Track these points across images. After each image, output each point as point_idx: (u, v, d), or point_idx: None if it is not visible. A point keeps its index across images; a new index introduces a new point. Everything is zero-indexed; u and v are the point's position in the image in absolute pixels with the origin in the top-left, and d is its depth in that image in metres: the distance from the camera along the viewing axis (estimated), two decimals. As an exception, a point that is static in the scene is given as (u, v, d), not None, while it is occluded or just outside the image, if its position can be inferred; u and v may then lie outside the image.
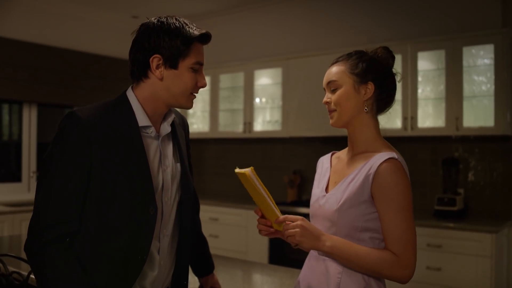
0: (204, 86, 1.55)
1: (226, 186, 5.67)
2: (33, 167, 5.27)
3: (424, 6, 4.36)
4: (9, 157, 5.38)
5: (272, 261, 4.32)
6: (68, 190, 1.40)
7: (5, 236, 3.47)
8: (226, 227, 4.89)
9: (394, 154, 1.50)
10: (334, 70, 1.60)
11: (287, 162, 5.17)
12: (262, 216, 1.57)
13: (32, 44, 5.12)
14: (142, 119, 1.51)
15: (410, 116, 4.06)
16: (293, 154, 5.14)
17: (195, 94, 1.55)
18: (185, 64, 1.49)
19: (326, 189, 1.63)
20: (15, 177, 5.23)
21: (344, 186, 1.54)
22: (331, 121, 1.62)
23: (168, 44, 1.46)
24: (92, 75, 5.55)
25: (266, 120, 5.14)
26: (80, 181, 1.40)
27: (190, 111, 5.72)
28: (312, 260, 1.61)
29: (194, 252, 1.86)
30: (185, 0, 5.27)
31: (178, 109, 1.78)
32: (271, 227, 1.55)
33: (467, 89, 3.89)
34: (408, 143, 4.29)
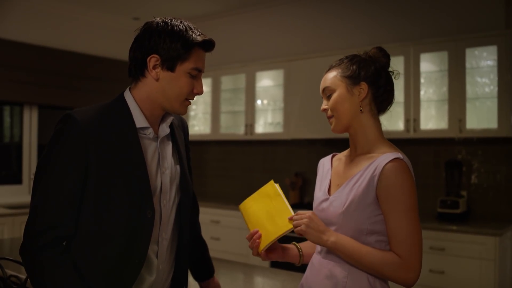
0: (200, 93, 1.53)
1: (227, 188, 5.65)
2: (34, 169, 5.25)
3: (426, 7, 4.33)
4: (10, 159, 5.36)
5: (273, 264, 4.30)
6: (64, 193, 1.38)
7: (6, 239, 3.46)
8: (228, 229, 4.86)
9: (399, 154, 1.47)
10: (327, 77, 1.61)
11: (289, 164, 5.15)
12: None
13: (33, 45, 5.11)
14: (139, 120, 1.49)
15: (412, 118, 4.03)
16: (295, 156, 5.12)
17: (190, 100, 1.53)
18: (183, 68, 1.46)
19: (329, 192, 1.61)
20: (16, 179, 5.21)
21: (349, 188, 1.51)
22: (331, 128, 1.61)
23: (168, 45, 1.44)
24: (93, 77, 5.54)
25: (267, 122, 5.12)
26: (77, 184, 1.38)
27: (192, 113, 5.71)
28: (316, 263, 1.59)
29: (194, 256, 1.83)
30: (186, 1, 5.26)
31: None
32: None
33: (470, 91, 3.87)
34: (410, 145, 4.26)
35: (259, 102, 5.13)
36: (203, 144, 5.79)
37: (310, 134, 4.64)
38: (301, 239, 1.55)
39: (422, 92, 4.06)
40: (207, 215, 4.89)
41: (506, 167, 3.92)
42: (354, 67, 1.57)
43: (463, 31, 4.03)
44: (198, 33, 1.48)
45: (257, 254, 1.56)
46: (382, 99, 1.59)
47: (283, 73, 4.86)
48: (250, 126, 5.09)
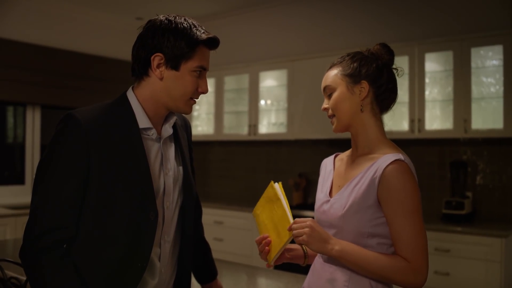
0: (205, 92, 1.50)
1: (231, 189, 5.63)
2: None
3: (431, 6, 4.30)
4: (14, 160, 5.36)
5: (277, 266, 4.27)
6: (65, 194, 1.35)
7: (9, 240, 3.44)
8: (231, 230, 4.84)
9: (400, 156, 1.44)
10: (328, 75, 1.58)
11: (293, 165, 5.12)
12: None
13: (36, 46, 5.10)
14: (142, 121, 1.46)
15: (417, 118, 4.00)
16: (299, 156, 5.10)
17: (195, 99, 1.50)
18: (187, 66, 1.44)
19: (330, 194, 1.58)
20: (20, 179, 5.21)
21: (349, 190, 1.48)
22: (332, 128, 1.58)
23: (172, 44, 1.41)
24: (97, 77, 5.53)
25: (271, 122, 5.10)
26: (78, 186, 1.36)
27: (195, 113, 5.69)
28: (318, 267, 1.56)
29: (197, 259, 1.80)
30: (189, 1, 5.24)
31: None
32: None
33: (475, 90, 3.84)
34: (415, 146, 4.23)
35: (262, 102, 5.11)
36: (206, 144, 5.77)
37: (314, 135, 4.62)
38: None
39: (427, 92, 4.03)
40: (210, 215, 4.88)
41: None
42: (355, 65, 1.54)
43: (468, 31, 4.00)
44: (203, 31, 1.46)
45: (267, 261, 1.54)
46: (383, 97, 1.55)
47: (287, 73, 4.84)
48: (253, 126, 5.07)
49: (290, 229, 1.45)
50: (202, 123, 5.72)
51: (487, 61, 3.85)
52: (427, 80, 4.04)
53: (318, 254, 1.59)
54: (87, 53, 5.51)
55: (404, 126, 4.09)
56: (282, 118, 4.97)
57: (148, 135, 1.48)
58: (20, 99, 5.06)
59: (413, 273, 1.39)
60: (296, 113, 4.73)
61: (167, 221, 1.51)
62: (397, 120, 4.09)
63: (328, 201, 1.54)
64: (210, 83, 5.38)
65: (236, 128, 5.38)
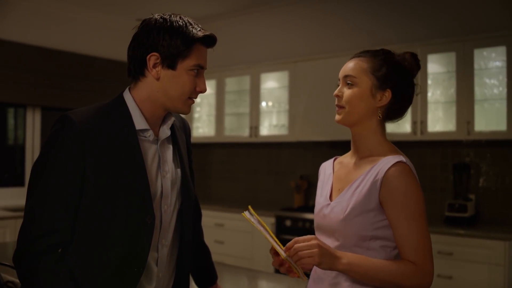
0: (203, 91, 1.46)
1: (232, 191, 5.60)
2: (37, 171, 5.22)
3: (433, 7, 4.28)
4: (15, 162, 5.34)
5: (278, 270, 4.24)
6: (60, 197, 1.32)
7: (9, 242, 3.42)
8: (232, 233, 4.81)
9: (401, 158, 1.42)
10: (355, 65, 1.50)
11: (294, 167, 5.10)
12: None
13: (37, 47, 5.09)
14: (139, 122, 1.43)
15: (419, 120, 3.98)
16: (300, 158, 5.07)
17: (193, 99, 1.47)
18: (184, 65, 1.40)
19: (330, 197, 1.55)
20: (20, 181, 5.19)
21: (350, 193, 1.46)
22: (337, 117, 1.52)
23: (167, 42, 1.38)
24: (97, 78, 5.51)
25: (272, 124, 5.07)
26: (73, 189, 1.33)
27: (196, 114, 5.67)
28: (319, 272, 1.53)
29: (196, 263, 1.77)
30: (190, 2, 5.23)
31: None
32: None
33: (478, 92, 3.81)
34: (417, 148, 4.21)
35: (263, 104, 5.09)
36: (207, 146, 5.74)
37: (316, 136, 4.59)
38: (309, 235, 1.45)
39: (429, 94, 4.00)
40: (211, 218, 4.85)
41: (515, 170, 3.86)
42: (388, 70, 1.48)
43: (471, 32, 3.97)
44: (199, 29, 1.43)
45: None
46: (396, 112, 1.53)
47: (288, 74, 4.82)
48: (254, 128, 5.04)
49: (289, 249, 1.34)
50: (203, 125, 5.70)
51: (490, 62, 3.82)
52: (429, 82, 4.01)
53: None
54: (87, 55, 5.49)
55: (407, 128, 4.07)
56: (284, 120, 4.94)
57: (145, 137, 1.45)
58: (20, 100, 5.05)
59: (421, 276, 1.38)
60: (297, 114, 4.70)
61: (165, 224, 1.48)
62: (399, 122, 4.05)
63: (329, 204, 1.52)
64: (211, 85, 5.36)
65: (237, 130, 5.35)
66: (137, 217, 1.38)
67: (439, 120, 4.02)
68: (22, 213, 4.34)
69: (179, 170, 1.55)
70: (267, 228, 1.37)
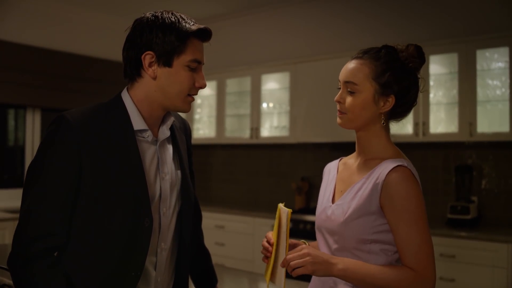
0: (203, 86, 1.43)
1: (232, 193, 5.58)
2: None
3: (435, 8, 4.26)
4: (15, 163, 5.32)
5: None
6: (55, 200, 1.29)
7: (8, 244, 3.39)
8: (233, 235, 4.79)
9: (403, 161, 1.40)
10: (357, 70, 1.46)
11: (295, 169, 5.07)
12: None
13: (37, 48, 5.07)
14: (137, 122, 1.40)
15: (421, 121, 3.95)
16: (301, 160, 5.05)
17: (193, 96, 1.44)
18: (180, 61, 1.37)
19: (333, 199, 1.53)
20: (20, 182, 5.17)
21: (351, 195, 1.44)
22: (338, 120, 1.50)
23: (161, 40, 1.35)
24: (97, 79, 5.49)
25: (273, 126, 5.05)
26: (69, 191, 1.30)
27: (196, 116, 5.64)
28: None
29: (196, 266, 1.74)
30: (190, 3, 5.21)
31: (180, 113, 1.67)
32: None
33: (481, 93, 3.78)
34: (419, 149, 4.18)
35: (264, 105, 5.07)
36: (207, 148, 5.72)
37: (317, 138, 4.57)
38: (310, 237, 1.46)
39: (431, 95, 3.98)
40: (211, 220, 4.83)
41: (518, 172, 3.83)
42: (391, 76, 1.43)
43: (473, 32, 3.95)
44: (192, 23, 1.40)
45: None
46: (400, 114, 1.51)
47: (289, 75, 4.80)
48: (255, 129, 5.02)
49: (284, 264, 1.35)
50: (203, 126, 5.67)
51: (492, 63, 3.80)
52: (431, 83, 3.99)
53: None
54: (87, 55, 5.47)
55: (408, 129, 4.04)
56: (285, 121, 4.92)
57: (144, 137, 1.42)
58: (20, 101, 5.02)
59: (421, 283, 1.35)
60: (298, 116, 4.68)
61: (164, 227, 1.45)
62: (401, 123, 4.02)
63: (330, 206, 1.50)
64: (212, 86, 5.34)
65: (238, 131, 5.33)
66: (134, 219, 1.34)
67: (441, 121, 3.99)
68: (20, 215, 4.29)
69: (179, 172, 1.52)
70: (287, 233, 1.39)
